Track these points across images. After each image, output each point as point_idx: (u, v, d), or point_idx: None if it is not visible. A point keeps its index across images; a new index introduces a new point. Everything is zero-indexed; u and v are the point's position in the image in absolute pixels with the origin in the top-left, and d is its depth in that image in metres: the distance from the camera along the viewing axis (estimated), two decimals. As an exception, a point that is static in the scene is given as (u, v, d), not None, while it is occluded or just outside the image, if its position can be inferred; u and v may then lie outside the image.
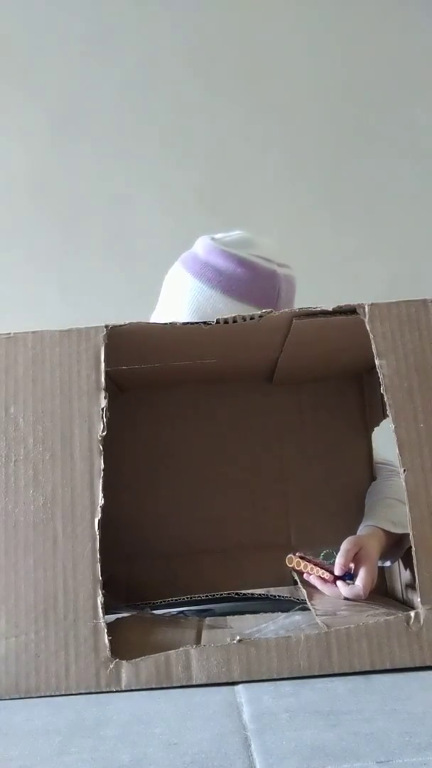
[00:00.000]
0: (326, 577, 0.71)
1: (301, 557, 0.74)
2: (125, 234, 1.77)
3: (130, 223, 1.77)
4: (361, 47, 1.84)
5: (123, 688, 0.52)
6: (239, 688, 0.51)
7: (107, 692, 0.52)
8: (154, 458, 0.88)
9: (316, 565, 0.73)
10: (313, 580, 0.73)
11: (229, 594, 0.73)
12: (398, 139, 1.78)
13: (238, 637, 0.54)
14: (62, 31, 1.84)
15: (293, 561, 0.73)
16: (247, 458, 0.88)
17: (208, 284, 0.84)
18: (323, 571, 0.72)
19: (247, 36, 1.84)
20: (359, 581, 0.70)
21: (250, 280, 0.84)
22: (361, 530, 0.79)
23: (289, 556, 0.74)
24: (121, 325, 0.59)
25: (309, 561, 0.74)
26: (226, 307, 0.82)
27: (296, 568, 0.73)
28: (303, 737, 0.40)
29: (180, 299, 0.86)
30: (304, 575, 0.74)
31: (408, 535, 0.56)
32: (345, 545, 0.72)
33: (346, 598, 0.70)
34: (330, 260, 1.67)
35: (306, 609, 0.66)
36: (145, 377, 0.81)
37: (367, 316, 0.59)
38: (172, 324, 0.62)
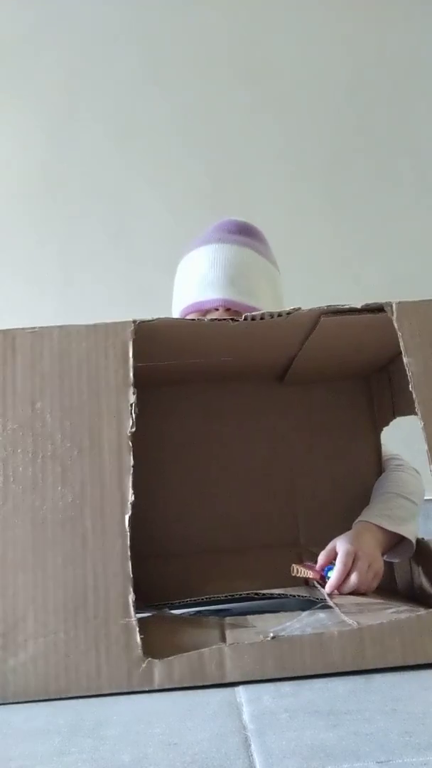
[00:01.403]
0: (318, 578, 0.72)
1: (302, 565, 0.75)
2: (125, 234, 1.76)
3: (130, 223, 1.76)
4: (361, 46, 1.86)
5: (156, 687, 0.52)
6: (239, 688, 0.51)
7: (140, 692, 0.52)
8: (164, 456, 0.87)
9: (310, 569, 0.74)
10: (317, 585, 0.74)
11: (247, 594, 0.72)
12: (398, 139, 1.80)
13: (271, 634, 0.53)
14: (63, 29, 1.83)
15: (294, 570, 0.74)
16: (256, 458, 0.88)
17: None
18: (314, 572, 0.73)
19: (248, 35, 1.84)
20: (334, 573, 0.71)
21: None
22: (354, 526, 0.80)
23: (292, 566, 0.75)
24: (148, 321, 0.59)
25: (308, 567, 0.74)
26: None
27: (299, 576, 0.74)
28: (303, 737, 0.40)
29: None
30: (310, 583, 0.74)
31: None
32: (329, 545, 0.75)
33: (355, 593, 0.70)
34: (330, 260, 1.68)
35: (326, 607, 0.66)
36: (156, 374, 0.80)
37: (395, 314, 0.59)
38: (200, 320, 0.61)
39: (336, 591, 0.71)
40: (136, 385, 0.86)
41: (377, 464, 0.89)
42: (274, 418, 0.89)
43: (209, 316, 0.92)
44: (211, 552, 0.85)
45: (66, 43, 1.82)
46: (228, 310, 0.90)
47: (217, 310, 0.91)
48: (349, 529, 0.79)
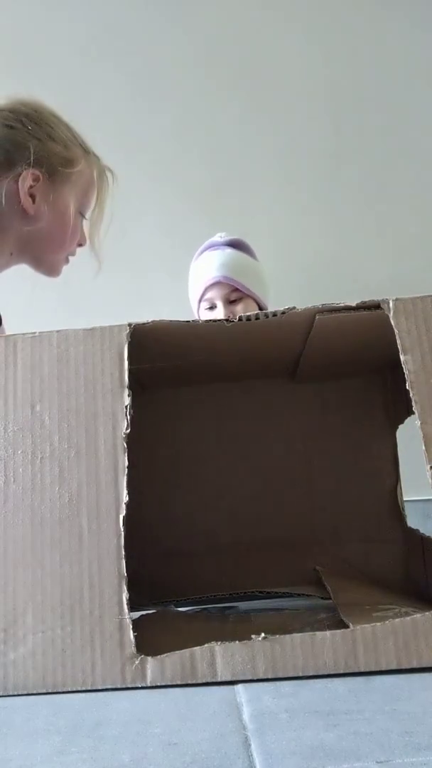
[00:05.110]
0: None
1: None
2: (125, 235, 1.77)
3: (129, 224, 1.77)
4: (361, 46, 1.82)
5: (148, 684, 0.53)
6: (239, 687, 0.51)
7: (140, 692, 0.52)
8: (176, 456, 0.88)
9: None
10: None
11: (252, 592, 0.73)
12: (398, 139, 1.76)
13: (263, 635, 0.53)
14: (62, 30, 1.85)
15: None
16: (270, 456, 0.88)
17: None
18: None
19: (247, 36, 1.83)
20: None
21: None
22: None
23: None
24: (143, 324, 0.60)
25: None
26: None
27: None
28: (303, 737, 0.40)
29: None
30: None
31: None
32: None
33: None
34: (329, 260, 1.66)
35: (331, 607, 0.66)
36: (168, 375, 0.81)
37: (392, 311, 0.58)
38: (195, 321, 0.62)
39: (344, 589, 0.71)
40: (148, 386, 0.88)
41: (393, 461, 0.87)
42: (288, 416, 0.88)
43: (218, 297, 1.30)
44: (224, 550, 0.85)
45: (66, 42, 1.84)
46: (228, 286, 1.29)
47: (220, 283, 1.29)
48: (365, 526, 0.77)
